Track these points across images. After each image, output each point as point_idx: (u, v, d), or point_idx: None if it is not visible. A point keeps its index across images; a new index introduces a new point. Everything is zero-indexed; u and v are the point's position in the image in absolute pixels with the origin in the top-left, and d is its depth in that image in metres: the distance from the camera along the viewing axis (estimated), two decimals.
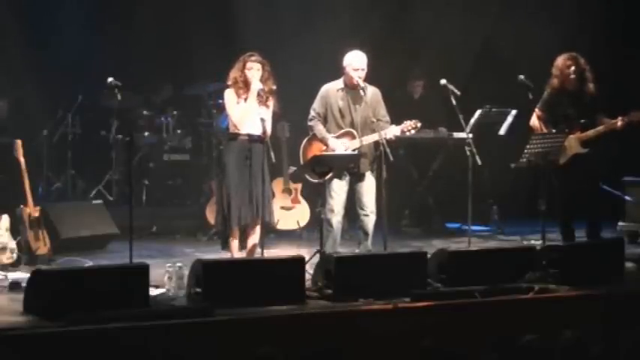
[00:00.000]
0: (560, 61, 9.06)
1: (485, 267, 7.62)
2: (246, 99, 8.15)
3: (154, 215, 10.80)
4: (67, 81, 11.70)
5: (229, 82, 8.25)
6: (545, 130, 9.00)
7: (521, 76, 9.16)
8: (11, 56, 11.17)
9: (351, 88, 8.59)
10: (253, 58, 8.19)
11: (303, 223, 10.61)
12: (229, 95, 8.23)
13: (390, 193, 8.58)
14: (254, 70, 8.15)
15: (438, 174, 11.19)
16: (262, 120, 8.12)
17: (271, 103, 8.22)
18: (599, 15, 11.58)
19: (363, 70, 8.53)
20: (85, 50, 11.61)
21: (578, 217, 9.20)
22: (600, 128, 9.00)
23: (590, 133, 9.01)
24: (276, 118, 8.39)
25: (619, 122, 8.97)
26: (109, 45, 11.66)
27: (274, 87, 8.21)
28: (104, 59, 11.30)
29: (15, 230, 8.69)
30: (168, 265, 7.37)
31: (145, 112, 12.01)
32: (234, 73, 8.19)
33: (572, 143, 9.01)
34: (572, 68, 8.99)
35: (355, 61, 8.54)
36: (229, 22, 11.76)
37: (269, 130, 8.19)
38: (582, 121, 9.02)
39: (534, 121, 9.10)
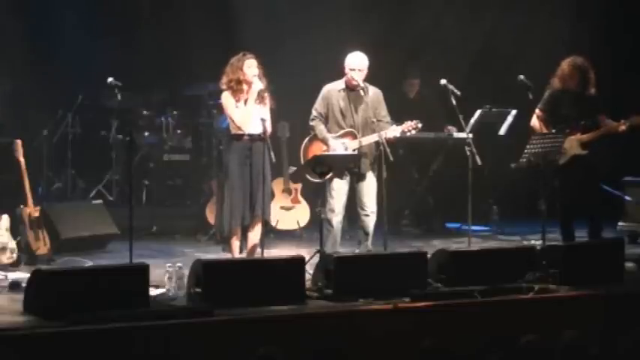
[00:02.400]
0: (565, 62, 9.03)
1: (485, 267, 7.62)
2: (246, 100, 8.14)
3: (153, 215, 10.80)
4: (67, 81, 11.70)
5: (224, 86, 8.21)
6: (545, 131, 8.99)
7: (521, 76, 9.16)
8: (11, 56, 11.17)
9: (351, 89, 8.59)
10: (249, 56, 8.19)
11: (303, 223, 10.62)
12: (227, 98, 8.19)
13: (390, 193, 8.57)
14: (253, 68, 8.14)
15: (438, 174, 11.18)
16: (263, 120, 8.12)
17: (268, 100, 8.22)
18: (599, 15, 11.57)
19: (360, 70, 8.53)
20: (85, 50, 11.60)
21: (579, 217, 9.19)
22: (601, 131, 8.98)
23: (590, 135, 8.99)
24: (272, 114, 8.37)
25: (621, 126, 8.95)
26: (109, 45, 11.65)
27: (266, 84, 8.21)
28: (104, 59, 11.30)
29: (15, 230, 8.69)
30: (169, 265, 7.37)
31: (145, 112, 12.01)
32: (233, 75, 8.16)
33: (572, 144, 8.99)
34: (575, 70, 8.96)
35: (352, 62, 8.55)
36: (229, 22, 11.75)
37: (270, 129, 8.19)
38: (583, 122, 9.00)
39: (535, 121, 9.10)
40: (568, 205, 9.04)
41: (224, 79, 8.21)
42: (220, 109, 9.10)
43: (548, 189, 8.81)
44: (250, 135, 8.15)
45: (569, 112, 9.00)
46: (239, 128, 8.16)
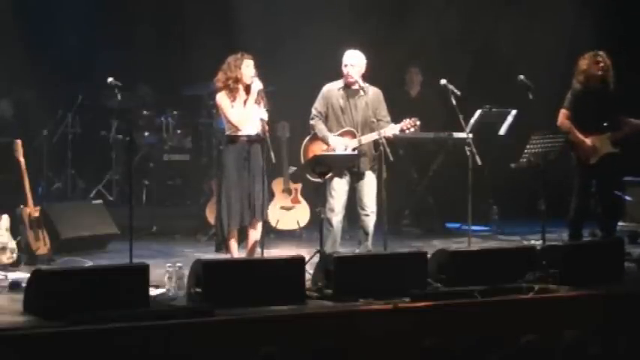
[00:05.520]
0: (586, 60, 8.96)
1: (485, 267, 7.63)
2: (245, 101, 8.12)
3: (153, 215, 10.80)
4: (67, 81, 11.70)
5: (220, 84, 8.18)
6: (575, 131, 8.91)
7: (521, 76, 9.16)
8: (11, 56, 11.17)
9: (348, 87, 8.60)
10: (247, 56, 8.17)
11: (303, 223, 10.62)
12: (223, 99, 8.15)
13: (390, 193, 8.58)
14: (251, 68, 8.13)
15: (438, 174, 11.18)
16: (262, 120, 8.11)
17: (263, 100, 8.20)
18: (599, 15, 11.57)
19: (353, 66, 8.53)
20: (85, 50, 11.61)
21: (589, 217, 9.20)
22: (631, 128, 8.94)
23: (621, 133, 8.95)
24: (268, 113, 8.34)
25: None
26: (109, 45, 11.66)
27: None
28: (104, 59, 11.30)
29: (15, 230, 8.68)
30: (169, 265, 7.37)
31: (145, 112, 12.01)
32: (231, 73, 8.11)
33: (604, 142, 8.93)
34: (599, 66, 8.90)
35: (346, 58, 8.59)
36: (229, 22, 11.75)
37: (267, 127, 8.16)
38: (607, 121, 8.94)
39: (563, 120, 8.99)
40: (586, 205, 9.01)
41: (221, 78, 8.16)
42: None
43: (548, 189, 8.81)
44: (248, 136, 8.13)
45: (596, 112, 8.90)
46: (236, 129, 8.14)
